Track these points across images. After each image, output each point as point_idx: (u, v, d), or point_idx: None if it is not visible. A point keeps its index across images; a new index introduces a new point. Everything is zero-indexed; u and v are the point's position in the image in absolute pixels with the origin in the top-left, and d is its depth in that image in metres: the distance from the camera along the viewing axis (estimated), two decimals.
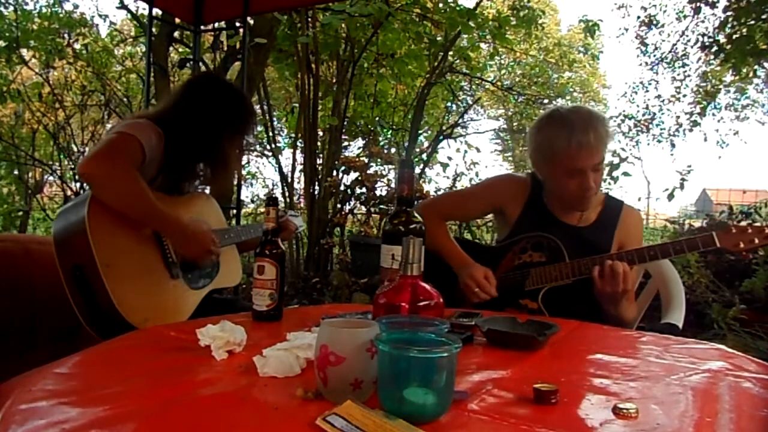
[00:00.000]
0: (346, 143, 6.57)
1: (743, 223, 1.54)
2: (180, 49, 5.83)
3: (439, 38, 6.35)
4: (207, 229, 1.68)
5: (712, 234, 1.52)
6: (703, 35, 7.73)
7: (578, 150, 1.58)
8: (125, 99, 6.29)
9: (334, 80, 6.05)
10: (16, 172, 6.76)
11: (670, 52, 8.96)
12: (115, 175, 1.45)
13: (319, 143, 5.84)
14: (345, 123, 5.96)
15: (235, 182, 3.93)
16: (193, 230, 1.61)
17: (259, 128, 6.45)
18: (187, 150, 1.69)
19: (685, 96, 9.45)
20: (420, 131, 7.50)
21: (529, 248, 1.71)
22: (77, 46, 6.49)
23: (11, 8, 6.10)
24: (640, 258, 1.57)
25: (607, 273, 1.53)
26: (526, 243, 1.71)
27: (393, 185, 5.11)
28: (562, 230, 1.70)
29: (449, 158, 6.51)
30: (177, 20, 4.23)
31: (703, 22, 7.90)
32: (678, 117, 9.56)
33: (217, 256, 1.70)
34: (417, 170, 6.47)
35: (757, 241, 1.51)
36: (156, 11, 3.60)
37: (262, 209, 3.50)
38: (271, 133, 6.44)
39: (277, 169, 6.32)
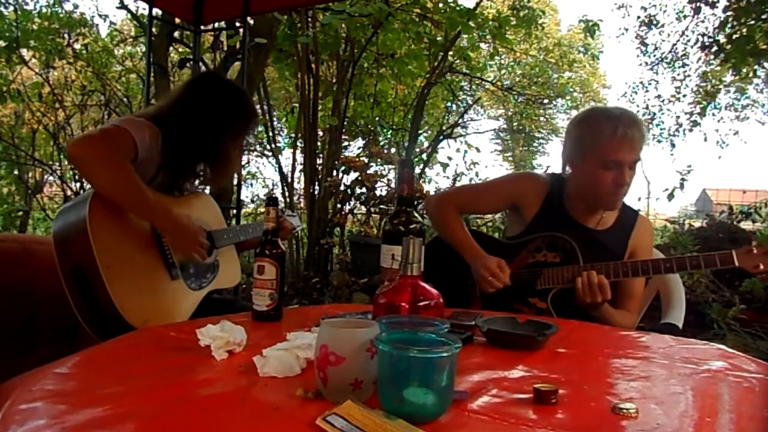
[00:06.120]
0: (346, 143, 6.57)
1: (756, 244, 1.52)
2: (180, 49, 5.82)
3: (439, 38, 6.35)
4: (198, 225, 1.64)
5: (731, 252, 1.50)
6: (703, 35, 7.72)
7: (621, 141, 1.59)
8: (125, 99, 6.28)
9: (334, 80, 6.05)
10: (16, 172, 6.76)
11: (670, 52, 8.94)
12: (105, 159, 1.43)
13: (319, 143, 5.83)
14: (345, 123, 5.96)
15: (235, 182, 3.94)
16: (184, 223, 1.57)
17: (259, 128, 6.45)
18: (187, 149, 1.68)
19: (685, 96, 9.44)
20: (420, 131, 7.50)
21: (544, 248, 1.70)
22: (77, 46, 6.48)
23: (11, 8, 6.10)
24: (655, 269, 1.57)
25: (585, 283, 1.55)
26: (542, 242, 1.71)
27: (393, 185, 5.11)
28: (578, 232, 1.70)
29: (449, 158, 6.54)
30: (177, 20, 4.23)
31: (703, 22, 7.89)
32: (678, 117, 9.54)
33: (206, 250, 1.66)
34: (417, 170, 6.48)
35: None
36: (156, 11, 3.59)
37: (262, 209, 3.50)
38: (271, 133, 6.44)
39: (277, 169, 6.32)
